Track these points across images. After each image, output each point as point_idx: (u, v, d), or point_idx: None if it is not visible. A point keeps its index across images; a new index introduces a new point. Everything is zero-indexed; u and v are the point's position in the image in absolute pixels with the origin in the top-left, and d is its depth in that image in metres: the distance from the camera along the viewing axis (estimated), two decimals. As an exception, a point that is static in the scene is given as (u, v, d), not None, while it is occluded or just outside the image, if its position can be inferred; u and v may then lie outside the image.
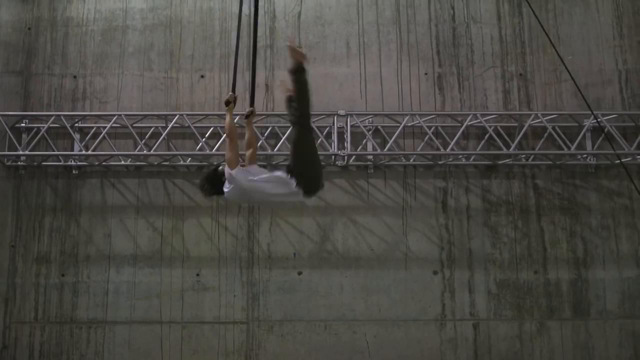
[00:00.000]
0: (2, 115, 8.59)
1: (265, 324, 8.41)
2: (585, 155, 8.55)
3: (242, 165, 5.73)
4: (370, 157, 8.61)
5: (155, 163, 8.66)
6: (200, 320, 8.41)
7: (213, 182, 5.67)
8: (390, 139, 8.46)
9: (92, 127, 8.72)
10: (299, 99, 5.48)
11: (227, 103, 5.95)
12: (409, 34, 8.96)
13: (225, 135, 5.68)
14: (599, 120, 8.19)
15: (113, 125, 8.55)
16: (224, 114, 8.46)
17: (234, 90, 6.09)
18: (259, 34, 8.80)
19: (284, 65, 8.80)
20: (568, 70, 6.50)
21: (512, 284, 8.44)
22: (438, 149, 8.48)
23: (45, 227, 8.63)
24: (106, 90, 8.91)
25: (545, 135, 8.48)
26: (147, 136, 8.65)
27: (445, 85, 8.85)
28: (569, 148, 8.41)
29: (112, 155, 8.58)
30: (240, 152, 5.84)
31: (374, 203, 8.61)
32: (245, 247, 8.54)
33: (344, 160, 8.53)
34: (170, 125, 8.48)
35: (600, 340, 8.29)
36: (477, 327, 8.36)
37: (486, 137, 8.55)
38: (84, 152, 8.56)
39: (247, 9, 8.97)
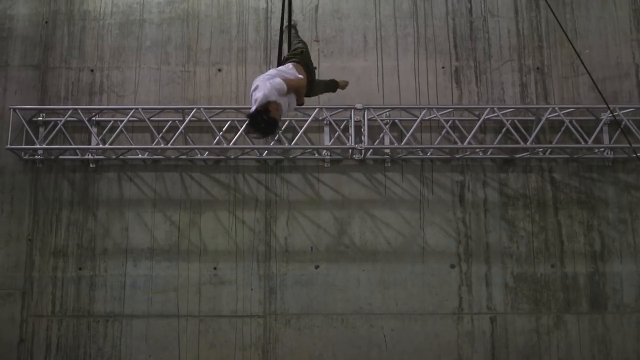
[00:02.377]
0: (20, 109, 8.59)
1: (282, 317, 8.41)
2: (602, 149, 8.55)
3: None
4: (388, 150, 8.61)
5: (173, 157, 8.66)
6: (218, 314, 8.41)
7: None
8: (408, 132, 8.46)
9: (110, 121, 8.72)
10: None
11: None
12: (427, 28, 8.96)
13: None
14: (615, 114, 8.19)
15: (130, 118, 8.55)
16: (241, 108, 8.56)
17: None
18: (275, 27, 8.90)
19: (301, 59, 8.84)
20: (585, 66, 6.50)
21: (529, 277, 8.43)
22: (455, 143, 8.48)
23: (62, 220, 8.64)
24: (123, 84, 8.92)
25: (563, 128, 8.48)
26: (164, 130, 8.65)
27: (462, 78, 8.85)
28: (586, 142, 8.41)
29: (129, 149, 8.58)
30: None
31: (391, 197, 8.61)
32: (263, 240, 8.54)
33: (361, 154, 8.53)
34: (187, 119, 8.47)
35: (618, 334, 8.29)
36: (494, 321, 8.35)
37: (503, 130, 8.55)
38: (101, 145, 8.55)
39: (264, 2, 9.08)
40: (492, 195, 8.61)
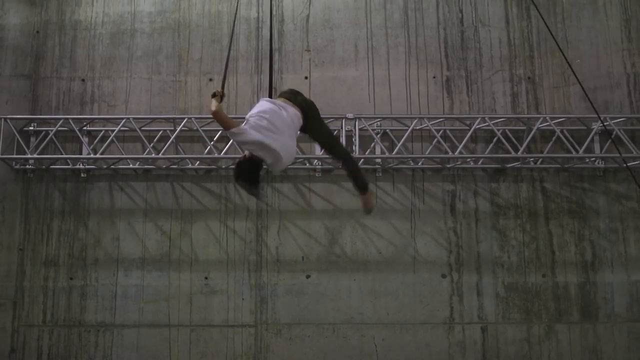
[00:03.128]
0: (11, 119, 8.56)
1: (273, 327, 8.41)
2: (593, 159, 8.55)
3: None
4: (379, 160, 8.61)
5: (164, 166, 8.67)
6: (209, 324, 8.41)
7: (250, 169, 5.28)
8: (399, 142, 8.46)
9: (101, 131, 8.72)
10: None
11: (214, 95, 5.47)
12: (418, 38, 8.96)
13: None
14: (606, 124, 8.18)
15: (121, 128, 8.54)
16: (232, 118, 8.56)
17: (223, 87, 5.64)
18: (266, 37, 8.90)
19: (292, 68, 8.86)
20: (576, 76, 6.50)
21: (520, 287, 8.43)
22: (446, 153, 8.48)
23: (53, 230, 8.63)
24: (114, 94, 8.92)
25: (554, 138, 8.47)
26: (155, 139, 8.65)
27: (453, 88, 8.85)
28: (577, 151, 8.40)
29: (120, 159, 8.58)
30: None
31: (382, 206, 8.61)
32: (254, 250, 8.55)
33: (352, 163, 8.52)
34: (178, 129, 8.47)
35: (609, 344, 8.29)
36: (485, 331, 8.35)
37: (494, 140, 8.54)
38: (92, 155, 8.55)
39: (255, 12, 9.09)
40: (483, 204, 8.61)
